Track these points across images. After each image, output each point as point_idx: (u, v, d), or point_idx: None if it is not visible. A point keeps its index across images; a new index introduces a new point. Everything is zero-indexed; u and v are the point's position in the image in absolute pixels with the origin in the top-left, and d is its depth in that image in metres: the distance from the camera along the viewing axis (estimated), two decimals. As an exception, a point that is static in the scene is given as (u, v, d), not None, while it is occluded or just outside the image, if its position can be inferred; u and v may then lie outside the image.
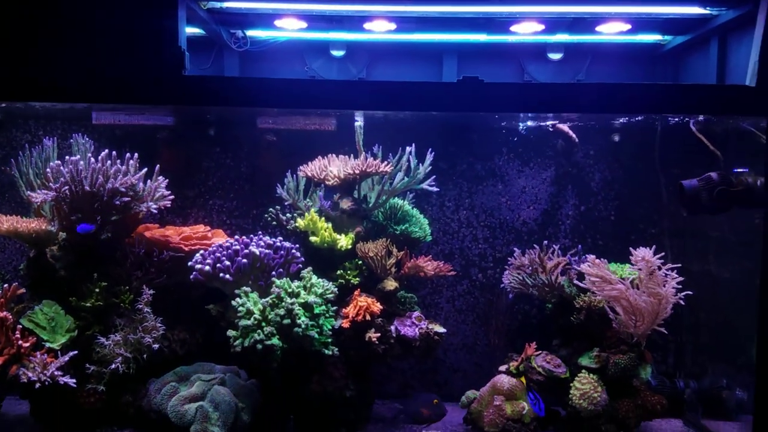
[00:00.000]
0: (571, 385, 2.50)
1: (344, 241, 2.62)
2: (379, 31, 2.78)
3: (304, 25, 2.77)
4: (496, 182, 3.04)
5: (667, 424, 2.70)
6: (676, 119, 2.68)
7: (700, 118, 2.58)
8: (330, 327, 2.46)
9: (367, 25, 2.74)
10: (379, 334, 2.51)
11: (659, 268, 2.45)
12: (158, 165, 2.61)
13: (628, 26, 2.74)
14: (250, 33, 2.88)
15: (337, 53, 2.99)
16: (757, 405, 2.30)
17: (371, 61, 3.02)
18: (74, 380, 2.26)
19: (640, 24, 2.75)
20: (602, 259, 2.56)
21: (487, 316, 2.96)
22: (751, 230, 2.43)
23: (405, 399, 2.75)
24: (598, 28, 2.71)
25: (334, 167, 2.72)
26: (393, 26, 2.76)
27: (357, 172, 2.63)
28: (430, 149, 2.69)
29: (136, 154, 2.54)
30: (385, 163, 2.67)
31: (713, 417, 2.71)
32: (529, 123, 2.93)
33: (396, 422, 2.69)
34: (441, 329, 2.59)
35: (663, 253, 2.49)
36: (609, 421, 2.48)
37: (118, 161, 2.50)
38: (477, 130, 3.05)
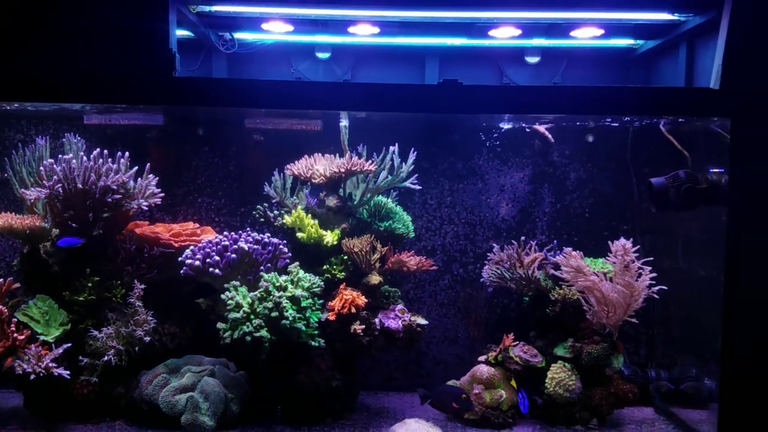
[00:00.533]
0: (547, 373, 2.62)
1: (330, 237, 2.71)
2: (364, 34, 2.87)
3: (290, 28, 2.86)
4: (476, 181, 3.15)
5: (639, 412, 2.82)
6: (647, 120, 2.81)
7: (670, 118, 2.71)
8: (317, 320, 2.56)
9: (351, 29, 2.83)
10: (363, 326, 2.60)
11: (633, 262, 2.58)
12: (148, 163, 2.69)
13: (602, 31, 2.85)
14: (238, 35, 2.96)
15: (323, 55, 3.08)
16: (722, 394, 2.43)
17: (356, 63, 3.11)
18: (68, 372, 2.33)
19: (613, 29, 2.86)
20: (578, 251, 2.68)
21: (468, 309, 3.06)
22: (718, 228, 2.55)
23: (433, 388, 2.73)
24: (572, 33, 2.82)
25: (320, 166, 2.81)
26: (377, 30, 2.84)
27: (342, 170, 2.73)
28: (412, 149, 2.80)
29: (127, 153, 2.62)
30: (370, 162, 2.77)
31: (684, 406, 2.83)
32: (508, 124, 3.04)
33: (381, 412, 2.78)
34: (423, 321, 2.69)
35: (638, 246, 2.63)
36: (583, 409, 2.60)
37: (110, 160, 2.57)
38: (458, 130, 3.16)
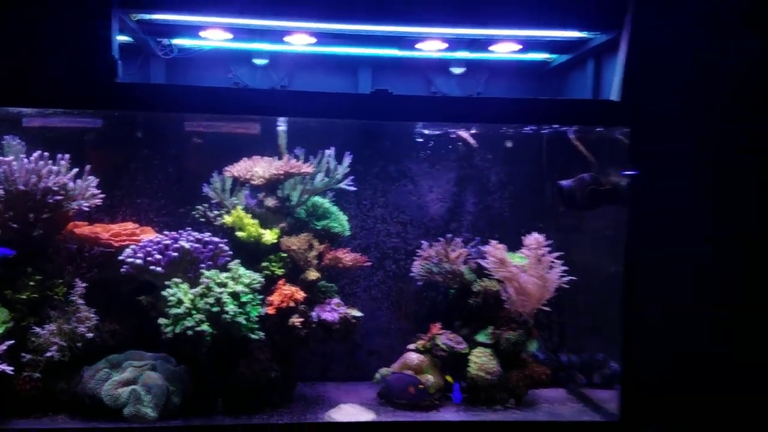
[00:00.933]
0: (470, 358, 2.86)
1: (269, 236, 2.86)
2: (300, 44, 3.03)
3: (228, 36, 2.98)
4: (406, 183, 3.35)
5: (553, 393, 3.09)
6: (559, 128, 3.09)
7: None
8: (257, 314, 2.69)
9: (287, 38, 2.98)
10: (302, 320, 2.75)
11: (545, 255, 2.85)
12: (88, 165, 2.75)
13: (520, 46, 3.12)
14: (177, 42, 3.06)
15: (261, 62, 3.21)
16: (624, 375, 2.75)
17: (293, 69, 3.27)
18: (11, 368, 2.38)
19: (530, 44, 3.14)
20: (502, 245, 2.94)
21: (399, 302, 3.27)
22: (621, 225, 2.86)
23: (385, 378, 2.91)
24: (491, 48, 3.08)
25: (259, 168, 2.94)
26: (313, 40, 3.01)
27: (281, 172, 2.88)
28: (348, 152, 2.97)
29: (67, 155, 2.68)
30: (307, 164, 2.93)
31: (593, 387, 3.13)
32: (435, 130, 3.26)
33: (318, 400, 2.93)
34: (358, 313, 2.88)
35: (551, 241, 2.92)
36: (502, 390, 2.86)
37: (50, 162, 2.63)
38: (390, 136, 3.35)
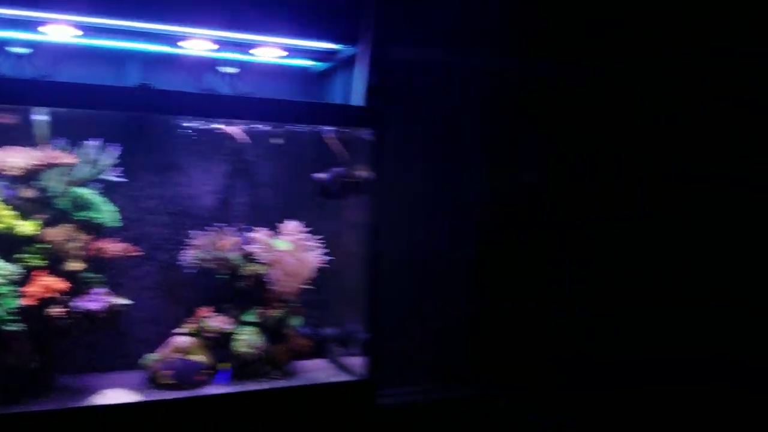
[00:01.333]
0: (236, 336, 3.11)
1: (27, 227, 2.81)
2: (62, 35, 3.01)
3: (-19, 23, 2.87)
4: (179, 175, 3.46)
5: (314, 363, 3.45)
6: (320, 127, 3.46)
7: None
8: (14, 306, 2.65)
9: (44, 29, 2.94)
10: (65, 310, 2.77)
11: (304, 240, 3.21)
12: None
13: (286, 52, 3.43)
14: None
15: (21, 51, 3.11)
16: (369, 346, 3.23)
17: (58, 60, 3.19)
18: None
19: (295, 51, 3.46)
20: (270, 231, 3.24)
21: (171, 290, 3.38)
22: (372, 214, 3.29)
23: (173, 365, 3.00)
24: (257, 52, 3.34)
25: (16, 158, 2.87)
26: (78, 32, 3.01)
27: (40, 163, 2.85)
28: (115, 144, 3.01)
29: None
30: (69, 155, 2.93)
31: (350, 356, 3.55)
32: (206, 125, 3.43)
33: (82, 390, 2.95)
34: (124, 301, 2.95)
35: (311, 228, 3.26)
36: (266, 363, 3.15)
37: None
38: (162, 129, 3.41)
